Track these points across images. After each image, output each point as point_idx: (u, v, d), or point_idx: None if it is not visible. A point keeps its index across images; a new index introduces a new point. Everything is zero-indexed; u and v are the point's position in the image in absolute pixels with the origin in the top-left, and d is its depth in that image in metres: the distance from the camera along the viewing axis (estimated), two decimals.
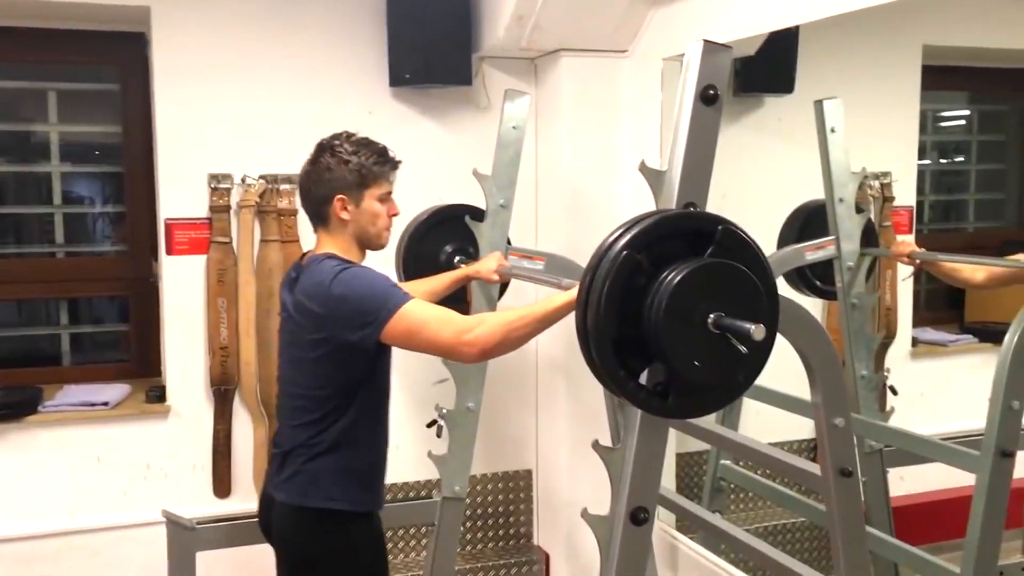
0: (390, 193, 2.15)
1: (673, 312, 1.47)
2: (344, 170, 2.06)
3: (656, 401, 1.55)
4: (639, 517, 1.76)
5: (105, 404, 2.97)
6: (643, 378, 1.57)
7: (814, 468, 1.94)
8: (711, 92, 1.72)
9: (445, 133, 3.23)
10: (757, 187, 3.58)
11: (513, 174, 2.66)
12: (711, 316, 1.49)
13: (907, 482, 3.22)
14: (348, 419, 2.05)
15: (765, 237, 3.27)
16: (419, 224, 2.79)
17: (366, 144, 2.12)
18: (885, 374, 3.22)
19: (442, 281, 2.55)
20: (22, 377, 3.21)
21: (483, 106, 3.22)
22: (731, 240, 1.55)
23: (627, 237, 1.51)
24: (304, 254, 2.17)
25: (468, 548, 3.40)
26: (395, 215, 2.18)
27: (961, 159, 4.25)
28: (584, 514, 1.84)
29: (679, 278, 1.48)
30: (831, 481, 1.90)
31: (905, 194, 3.52)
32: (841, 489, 1.90)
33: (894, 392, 3.27)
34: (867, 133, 3.60)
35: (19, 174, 3.37)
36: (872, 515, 3.04)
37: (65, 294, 3.36)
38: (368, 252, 2.17)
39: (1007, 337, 2.12)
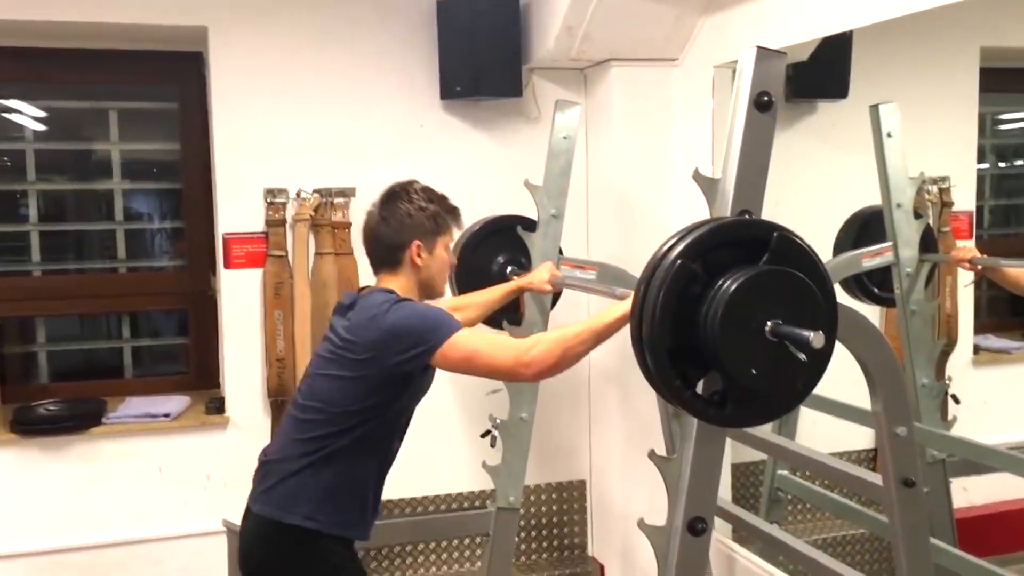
0: (453, 241, 2.21)
1: (729, 320, 1.46)
2: (422, 217, 2.10)
3: (713, 410, 1.54)
4: (697, 527, 1.75)
5: (166, 416, 3.03)
6: (700, 387, 1.56)
7: (875, 478, 1.91)
8: (765, 99, 1.71)
9: (495, 144, 3.24)
10: (812, 193, 3.54)
11: (564, 184, 2.67)
12: (768, 324, 1.48)
13: (970, 492, 3.16)
14: (353, 439, 2.01)
15: (820, 244, 3.24)
16: (471, 235, 2.80)
17: (433, 192, 2.18)
18: (947, 382, 3.16)
19: (495, 293, 2.55)
20: (86, 389, 3.28)
21: (533, 117, 3.24)
22: (787, 247, 1.54)
23: (681, 246, 1.51)
24: (363, 288, 2.17)
25: (522, 559, 3.40)
26: (454, 264, 2.26)
27: (1021, 162, 4.16)
28: (641, 524, 1.83)
29: (735, 286, 1.47)
30: (893, 491, 1.87)
31: (964, 199, 3.45)
32: (904, 500, 1.87)
33: (956, 400, 3.20)
34: (924, 137, 3.54)
35: (81, 192, 3.46)
36: (935, 526, 2.97)
37: (126, 308, 3.43)
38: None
39: None
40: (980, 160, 3.82)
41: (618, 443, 3.20)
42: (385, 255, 2.12)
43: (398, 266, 2.10)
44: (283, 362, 3.06)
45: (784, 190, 3.52)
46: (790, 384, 1.54)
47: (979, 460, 2.65)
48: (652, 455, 1.79)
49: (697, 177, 1.76)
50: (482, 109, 3.22)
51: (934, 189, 3.51)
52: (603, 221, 3.24)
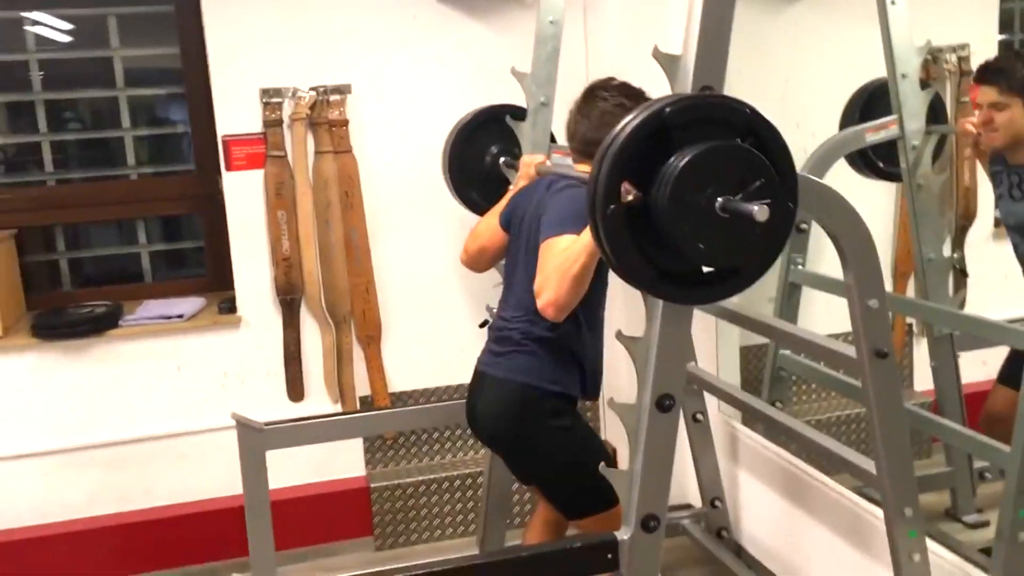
0: None
1: (679, 194, 1.45)
2: (622, 112, 2.14)
3: (665, 286, 1.54)
4: (665, 404, 1.78)
5: (180, 316, 3.12)
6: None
7: (849, 351, 1.91)
8: None
9: (491, 33, 3.19)
10: (823, 68, 3.45)
11: (552, 70, 2.63)
12: (719, 200, 1.47)
13: (989, 366, 3.13)
14: None
15: (831, 120, 3.18)
16: (463, 127, 2.79)
17: (630, 88, 2.32)
18: (955, 256, 3.11)
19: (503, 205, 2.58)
20: (108, 295, 3.37)
21: (528, 3, 3.16)
22: (750, 122, 1.51)
23: (638, 119, 1.49)
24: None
25: None
26: None
27: None
28: (611, 403, 1.87)
29: (684, 161, 1.45)
30: (866, 363, 1.87)
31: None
32: (877, 370, 1.87)
33: (965, 274, 3.16)
34: (942, 3, 3.41)
35: (88, 100, 3.50)
36: (943, 402, 2.98)
37: (140, 214, 3.50)
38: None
39: None
40: (1007, 29, 3.68)
41: (627, 331, 3.22)
42: (584, 148, 2.27)
43: None
44: (289, 261, 3.12)
45: (796, 66, 3.46)
46: (743, 258, 1.54)
47: (978, 334, 2.63)
48: (619, 335, 1.82)
49: (657, 54, 1.73)
50: None
51: (952, 58, 3.39)
52: None
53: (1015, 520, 2.07)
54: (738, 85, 3.09)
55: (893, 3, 2.79)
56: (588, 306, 2.18)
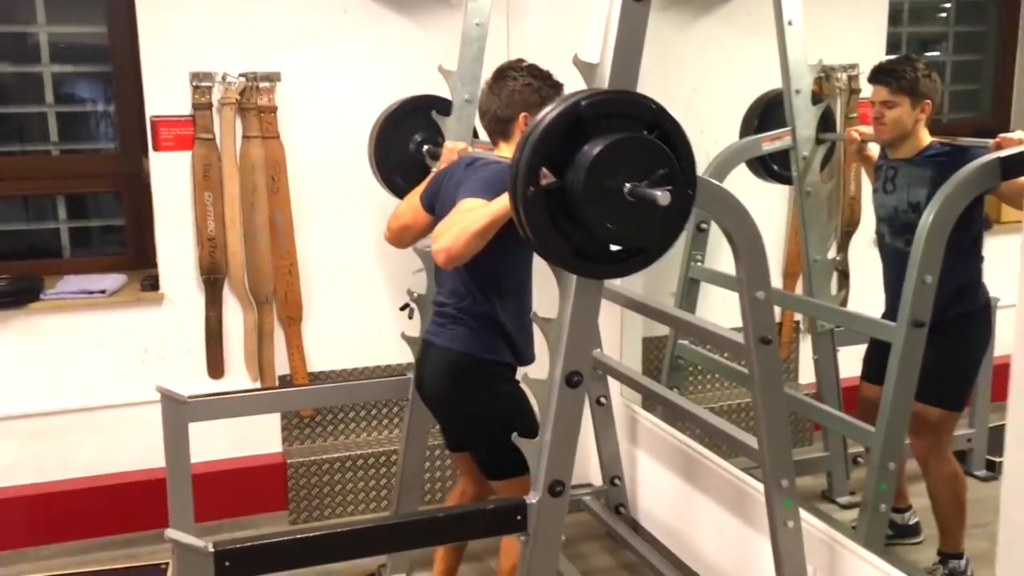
0: None
1: (592, 179, 1.62)
2: (529, 91, 2.35)
3: (578, 261, 1.71)
4: (573, 380, 1.95)
5: (102, 292, 3.17)
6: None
7: (737, 337, 2.13)
8: None
9: (418, 30, 3.33)
10: (728, 79, 3.69)
11: (477, 69, 2.78)
12: (628, 185, 1.64)
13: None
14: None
15: (733, 127, 3.42)
16: (391, 113, 2.91)
17: (538, 70, 2.42)
18: (837, 258, 3.39)
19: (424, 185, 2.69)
20: (25, 269, 3.39)
21: (455, 3, 3.31)
22: (655, 117, 1.70)
23: (557, 111, 1.65)
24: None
25: None
26: None
27: (937, 53, 4.33)
28: (524, 378, 2.04)
29: (597, 149, 1.62)
30: (752, 349, 2.09)
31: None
32: (762, 355, 2.09)
33: (846, 276, 3.44)
34: (835, 26, 3.69)
35: (16, 74, 3.50)
36: (823, 392, 3.25)
37: (62, 190, 3.52)
38: None
39: (923, 218, 2.28)
40: (897, 49, 3.99)
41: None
42: (496, 127, 2.40)
43: (510, 135, 2.37)
44: (214, 241, 3.20)
45: (702, 76, 3.70)
46: (647, 238, 1.73)
47: (850, 327, 2.90)
48: (534, 316, 1.99)
49: (576, 62, 1.90)
50: None
51: (844, 76, 3.68)
52: None
53: (877, 492, 2.33)
54: (647, 92, 3.33)
55: (790, 24, 3.04)
56: (513, 281, 2.36)
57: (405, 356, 3.37)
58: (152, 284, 3.24)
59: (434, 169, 2.62)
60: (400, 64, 3.29)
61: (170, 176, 3.18)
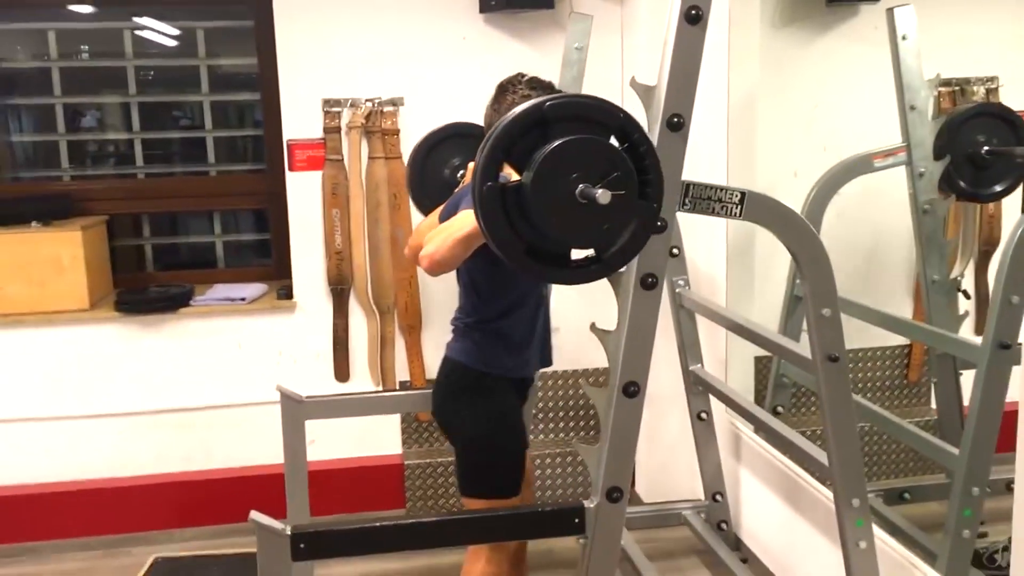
0: None
1: (542, 176, 1.61)
2: None
3: (531, 261, 1.70)
4: (630, 390, 2.02)
5: (242, 299, 3.48)
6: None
7: (805, 352, 2.13)
8: (695, 12, 1.90)
9: (534, 54, 3.47)
10: (853, 95, 3.62)
11: (577, 91, 2.88)
12: (580, 186, 1.62)
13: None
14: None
15: (861, 145, 3.36)
16: (423, 140, 2.92)
17: (539, 81, 2.41)
18: (959, 279, 3.25)
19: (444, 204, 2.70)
20: (185, 278, 3.76)
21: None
22: (620, 124, 1.68)
23: (521, 109, 1.67)
24: None
25: (552, 436, 3.74)
26: None
27: None
28: (584, 386, 2.12)
29: (551, 147, 1.62)
30: (819, 366, 2.09)
31: (1018, 100, 3.46)
32: (829, 373, 2.09)
33: (967, 296, 3.29)
34: (971, 38, 3.54)
35: (176, 104, 3.91)
36: (943, 418, 3.13)
37: (216, 207, 3.90)
38: None
39: (1010, 232, 2.19)
40: None
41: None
42: None
43: None
44: (341, 255, 3.45)
45: (825, 92, 3.64)
46: (598, 240, 1.70)
47: (934, 345, 2.80)
48: (593, 328, 2.07)
49: (634, 84, 1.98)
50: (520, 21, 3.44)
51: (981, 90, 3.53)
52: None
53: (960, 518, 2.25)
54: (766, 109, 3.34)
55: (904, 38, 2.98)
56: (517, 293, 2.41)
57: None
58: (287, 293, 3.53)
59: (458, 188, 2.65)
60: None
61: (303, 194, 3.46)
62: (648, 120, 1.97)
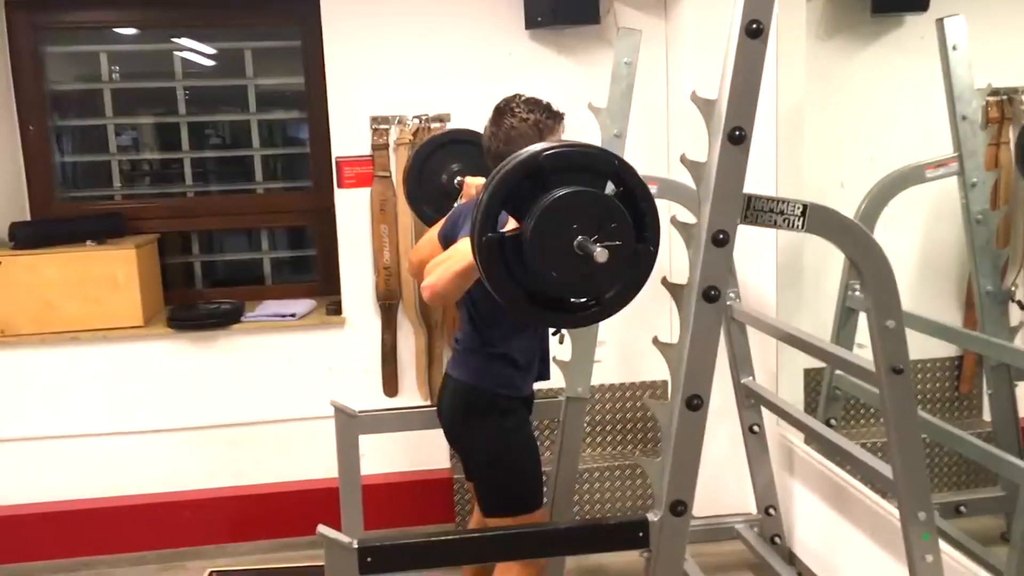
0: None
1: (540, 229, 1.66)
2: (525, 127, 2.35)
3: (532, 308, 1.75)
4: (693, 403, 2.01)
5: (292, 315, 3.52)
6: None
7: (869, 364, 2.12)
8: (755, 26, 1.90)
9: (580, 69, 3.49)
10: (899, 106, 3.61)
11: (626, 106, 2.90)
12: (579, 238, 1.67)
13: None
14: None
15: (908, 155, 3.35)
16: (421, 147, 2.95)
17: (536, 102, 2.42)
18: (1012, 288, 3.22)
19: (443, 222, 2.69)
20: (234, 294, 3.82)
21: (615, 44, 3.45)
22: (615, 171, 1.73)
23: (517, 160, 1.71)
24: None
25: (610, 449, 3.74)
26: None
27: None
28: (646, 400, 2.13)
29: (548, 201, 1.67)
30: (883, 378, 2.08)
31: None
32: (893, 384, 2.08)
33: (1021, 307, 3.26)
34: (1015, 47, 3.52)
35: (225, 123, 3.97)
36: (998, 429, 3.10)
37: (264, 224, 3.95)
38: None
39: None
40: None
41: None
42: (497, 164, 2.32)
43: None
44: (389, 270, 3.48)
45: (871, 103, 3.64)
46: (593, 291, 1.76)
47: (993, 356, 2.78)
48: (655, 341, 2.07)
49: (695, 98, 1.99)
50: (566, 37, 3.47)
51: None
52: (682, 138, 3.45)
53: None
54: (812, 121, 3.33)
55: (955, 48, 2.97)
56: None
57: (559, 379, 3.53)
58: (336, 309, 3.56)
59: (456, 204, 2.64)
60: (560, 101, 3.44)
61: (352, 211, 3.49)
62: (709, 133, 1.98)
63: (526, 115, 2.35)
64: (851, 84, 3.59)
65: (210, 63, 3.89)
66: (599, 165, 1.73)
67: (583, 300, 1.79)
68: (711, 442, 3.53)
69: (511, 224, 1.77)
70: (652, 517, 2.04)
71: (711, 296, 1.96)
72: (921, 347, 3.45)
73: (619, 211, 1.70)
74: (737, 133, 1.93)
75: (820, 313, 3.34)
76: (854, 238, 2.03)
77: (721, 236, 1.94)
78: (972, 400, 3.74)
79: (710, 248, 1.94)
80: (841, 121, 3.61)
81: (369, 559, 1.99)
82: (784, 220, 2.02)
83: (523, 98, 2.41)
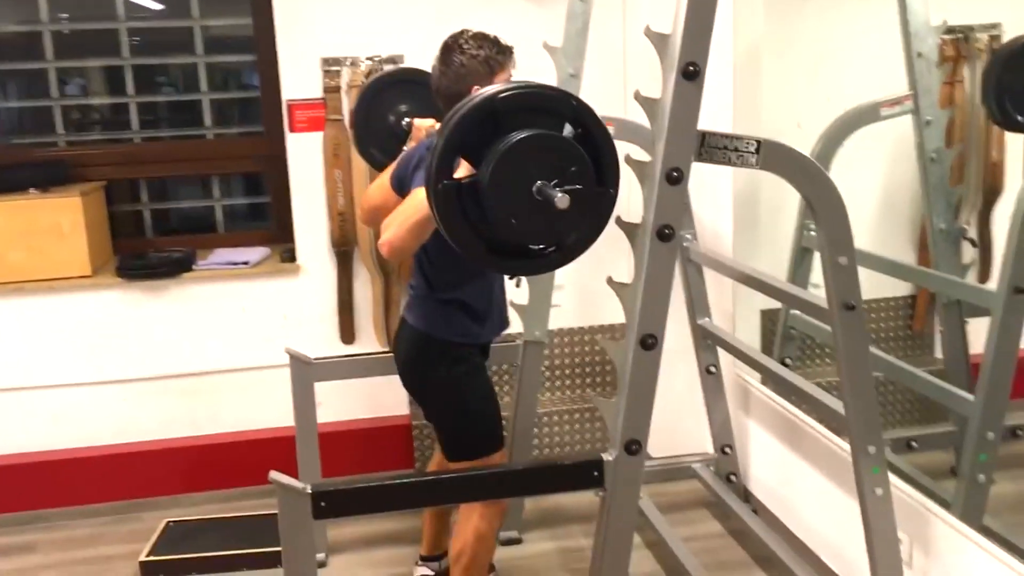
0: (511, 77, 2.38)
1: (498, 175, 1.61)
2: (475, 63, 2.29)
3: (492, 256, 1.72)
4: (647, 342, 2.01)
5: (245, 263, 3.46)
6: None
7: (821, 301, 2.12)
8: None
9: (536, 10, 3.43)
10: (858, 44, 3.58)
11: (582, 45, 2.85)
12: (538, 183, 1.63)
13: None
14: None
15: (866, 95, 3.33)
16: (369, 85, 2.91)
17: (484, 37, 2.35)
18: (965, 227, 3.25)
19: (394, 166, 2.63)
20: (185, 243, 3.74)
21: None
22: (573, 112, 1.68)
23: (472, 103, 1.66)
24: None
25: (569, 393, 3.75)
26: None
27: None
28: (601, 340, 2.12)
29: (505, 146, 1.61)
30: (836, 314, 2.08)
31: None
32: (845, 321, 2.08)
33: (974, 244, 3.29)
34: None
35: (170, 66, 3.86)
36: (950, 366, 3.14)
37: (214, 171, 3.85)
38: None
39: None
40: None
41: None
42: (447, 103, 2.26)
43: None
44: (344, 216, 3.42)
45: (829, 43, 3.61)
46: (557, 236, 1.73)
47: (945, 292, 2.82)
48: (609, 281, 2.06)
49: (648, 33, 1.95)
50: None
51: (984, 37, 3.50)
52: (639, 80, 3.41)
53: (975, 463, 2.27)
54: (770, 60, 3.30)
55: None
56: (467, 264, 2.34)
57: (517, 324, 3.53)
58: (290, 256, 3.51)
59: (405, 148, 2.59)
60: (517, 43, 3.37)
61: (304, 156, 3.42)
62: (663, 69, 1.95)
63: (475, 51, 2.30)
64: (810, 24, 3.55)
65: (156, 5, 3.76)
66: (557, 107, 1.68)
67: (543, 247, 1.75)
68: (668, 383, 3.54)
69: (464, 168, 1.72)
70: (607, 457, 2.05)
71: (665, 235, 1.94)
72: (875, 286, 3.47)
73: (579, 154, 1.66)
74: (691, 68, 1.90)
75: (777, 253, 3.35)
76: (808, 175, 2.02)
77: (675, 174, 1.92)
78: (925, 339, 3.78)
79: (664, 186, 1.92)
80: (799, 61, 3.58)
81: (323, 503, 1.97)
82: (739, 157, 2.00)
83: (471, 33, 2.35)
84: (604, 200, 1.73)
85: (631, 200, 3.44)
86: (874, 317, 3.78)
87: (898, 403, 3.59)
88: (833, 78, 3.56)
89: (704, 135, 1.96)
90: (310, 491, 1.96)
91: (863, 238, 3.50)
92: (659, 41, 1.95)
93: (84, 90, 3.87)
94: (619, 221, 2.03)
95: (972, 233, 3.26)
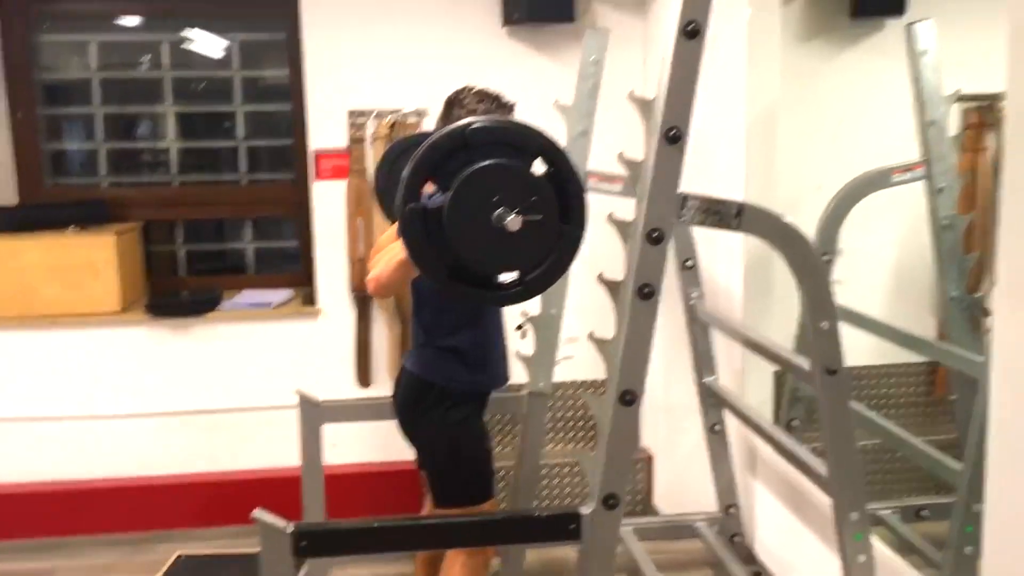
0: None
1: (458, 200, 1.67)
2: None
3: (454, 283, 1.77)
4: (626, 399, 2.04)
5: (268, 305, 3.57)
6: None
7: (805, 363, 2.13)
8: (692, 27, 1.94)
9: (554, 67, 3.52)
10: (879, 109, 3.60)
11: (592, 104, 2.92)
12: (498, 211, 1.68)
13: None
14: None
15: (887, 158, 3.35)
16: (386, 153, 2.96)
17: (486, 93, 2.46)
18: (982, 296, 3.22)
19: None
20: (217, 283, 3.88)
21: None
22: (540, 146, 1.73)
23: (444, 132, 1.72)
24: None
25: (576, 446, 3.76)
26: None
27: None
28: (586, 395, 2.15)
29: (468, 172, 1.68)
30: (818, 378, 2.10)
31: None
32: (827, 385, 2.09)
33: (986, 313, 3.25)
34: (994, 52, 3.51)
35: (209, 114, 4.03)
36: (962, 437, 3.09)
37: (248, 215, 3.99)
38: None
39: None
40: None
41: (659, 342, 3.47)
42: None
43: None
44: (363, 262, 3.52)
45: (850, 106, 3.64)
46: (515, 265, 1.77)
47: (939, 360, 2.79)
48: (591, 337, 2.10)
49: (632, 98, 2.02)
50: (542, 34, 3.50)
51: (1003, 106, 3.49)
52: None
53: (962, 534, 2.23)
54: (790, 123, 3.34)
55: (924, 54, 2.96)
56: (467, 312, 2.46)
57: (521, 375, 3.57)
58: (311, 299, 3.60)
59: None
60: (536, 99, 3.47)
61: (328, 203, 3.54)
62: (647, 132, 2.00)
63: (475, 105, 2.39)
64: (830, 87, 3.59)
65: (202, 55, 3.94)
66: (525, 141, 1.74)
67: (507, 279, 1.79)
68: (676, 440, 3.58)
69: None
70: (584, 510, 2.07)
71: (645, 293, 1.98)
72: (895, 351, 3.44)
73: (542, 186, 1.71)
74: (672, 133, 1.94)
75: (793, 317, 3.35)
76: (788, 239, 2.05)
77: (656, 234, 1.96)
78: (945, 405, 3.72)
79: (646, 246, 1.96)
80: (820, 124, 3.61)
81: (303, 543, 2.03)
82: (720, 220, 2.03)
83: (473, 89, 2.44)
84: (567, 238, 1.77)
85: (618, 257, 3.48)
86: (894, 383, 3.75)
87: (912, 470, 3.53)
88: (855, 142, 3.58)
89: (686, 197, 2.00)
90: (291, 530, 2.02)
91: (880, 305, 3.52)
92: (642, 106, 2.00)
93: (128, 133, 4.05)
94: (600, 278, 2.08)
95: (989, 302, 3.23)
